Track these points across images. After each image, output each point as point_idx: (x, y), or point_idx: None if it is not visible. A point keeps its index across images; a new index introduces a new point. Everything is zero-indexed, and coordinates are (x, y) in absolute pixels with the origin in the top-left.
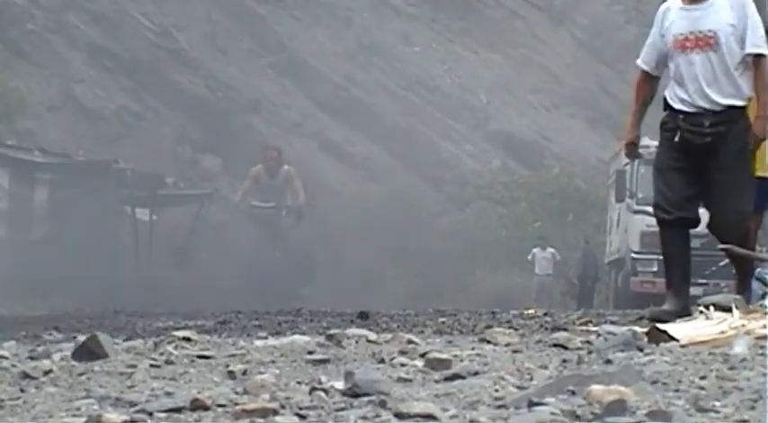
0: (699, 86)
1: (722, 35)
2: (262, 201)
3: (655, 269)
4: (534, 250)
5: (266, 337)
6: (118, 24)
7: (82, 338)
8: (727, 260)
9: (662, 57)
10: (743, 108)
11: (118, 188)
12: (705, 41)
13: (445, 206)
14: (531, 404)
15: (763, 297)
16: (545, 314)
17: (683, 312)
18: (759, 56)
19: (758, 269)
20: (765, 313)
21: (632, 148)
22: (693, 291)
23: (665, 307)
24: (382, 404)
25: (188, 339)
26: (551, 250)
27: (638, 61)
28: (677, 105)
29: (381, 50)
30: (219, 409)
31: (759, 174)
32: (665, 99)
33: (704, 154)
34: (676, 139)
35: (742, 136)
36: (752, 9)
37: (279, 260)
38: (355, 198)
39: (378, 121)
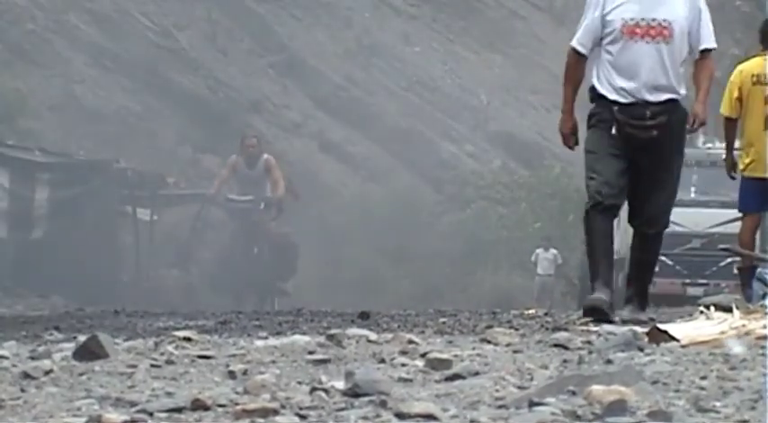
0: (645, 77)
1: (677, 27)
2: (239, 193)
3: (655, 269)
4: (537, 250)
5: (267, 337)
6: (118, 24)
7: (82, 338)
8: (727, 260)
9: (597, 40)
10: (679, 101)
11: (118, 188)
12: (658, 31)
13: (445, 206)
14: (532, 404)
15: (763, 297)
16: (545, 314)
17: (611, 303)
18: (709, 50)
19: (759, 269)
20: (766, 313)
21: (572, 138)
22: (694, 291)
23: (598, 295)
24: (383, 404)
25: (188, 339)
26: (554, 252)
27: (574, 43)
28: (613, 96)
29: (382, 50)
30: (220, 409)
31: (759, 175)
32: (593, 89)
33: (645, 148)
34: (614, 131)
35: (682, 125)
36: (703, 2)
37: (257, 255)
38: (355, 198)
39: (378, 122)
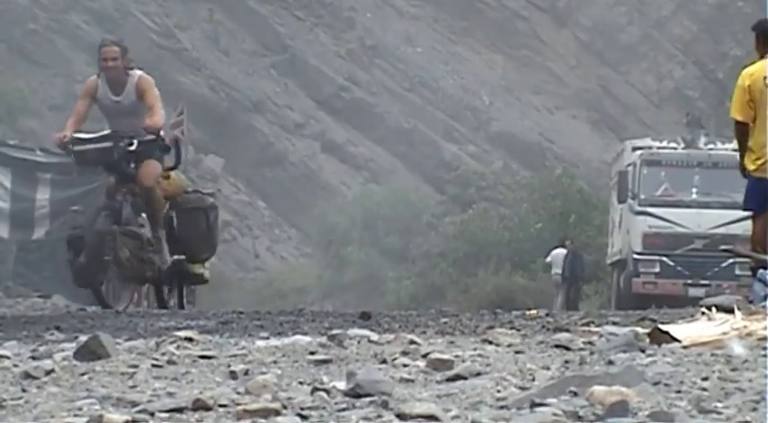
0: None
1: None
2: (96, 130)
3: (657, 270)
4: (557, 251)
5: (268, 338)
6: (120, 24)
7: (84, 338)
8: (729, 261)
9: None
10: None
11: None
12: None
13: (447, 207)
14: (533, 405)
15: (765, 298)
16: (547, 315)
17: None
18: None
19: (760, 270)
20: (767, 315)
21: None
22: (695, 292)
23: None
24: (384, 405)
25: (190, 339)
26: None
27: None
28: None
29: (384, 51)
30: (221, 410)
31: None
32: None
33: None
34: None
35: None
36: None
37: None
38: (358, 199)
39: (380, 122)
